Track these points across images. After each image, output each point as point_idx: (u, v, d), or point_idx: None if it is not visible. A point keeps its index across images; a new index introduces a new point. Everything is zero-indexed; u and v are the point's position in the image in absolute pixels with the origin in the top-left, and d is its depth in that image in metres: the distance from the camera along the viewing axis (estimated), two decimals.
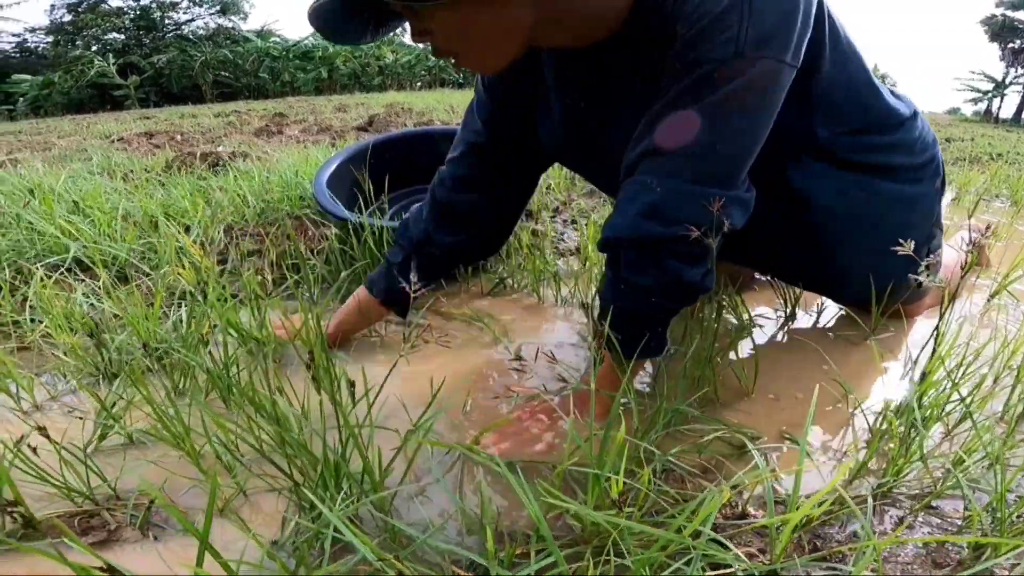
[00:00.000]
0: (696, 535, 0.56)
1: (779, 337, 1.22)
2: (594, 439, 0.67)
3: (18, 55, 28.16)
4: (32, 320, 1.16)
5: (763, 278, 1.41)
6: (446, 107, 8.11)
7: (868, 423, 0.90)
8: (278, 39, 28.03)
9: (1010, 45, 24.35)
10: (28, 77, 23.56)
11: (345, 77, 25.09)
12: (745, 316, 1.16)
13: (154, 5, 27.08)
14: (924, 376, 0.84)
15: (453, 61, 0.85)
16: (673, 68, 0.81)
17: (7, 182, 2.10)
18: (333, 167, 1.62)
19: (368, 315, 1.20)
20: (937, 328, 0.83)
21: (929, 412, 0.82)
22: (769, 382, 1.02)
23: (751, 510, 0.68)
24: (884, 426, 0.81)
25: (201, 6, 28.18)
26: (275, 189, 1.83)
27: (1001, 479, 0.66)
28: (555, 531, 0.65)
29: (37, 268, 1.27)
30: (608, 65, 0.93)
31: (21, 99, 23.23)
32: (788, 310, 1.26)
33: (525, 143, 1.11)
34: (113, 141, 5.55)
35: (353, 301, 1.20)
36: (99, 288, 1.24)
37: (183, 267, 1.28)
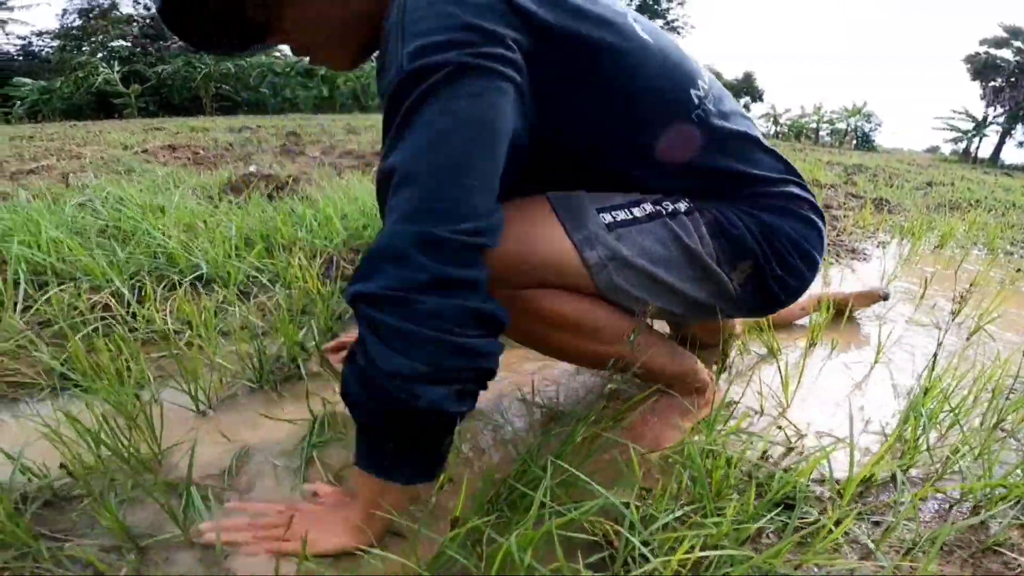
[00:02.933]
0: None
1: (800, 361, 1.48)
2: None
3: (22, 58, 28.22)
4: (175, 332, 1.36)
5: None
6: None
7: (883, 426, 1.15)
8: (279, 54, 28.45)
9: (991, 84, 25.06)
10: (29, 81, 23.38)
11: (345, 96, 25.44)
12: (773, 344, 1.42)
13: None
14: (926, 392, 1.10)
15: (308, 60, 0.92)
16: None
17: (108, 195, 2.30)
18: None
19: None
20: (935, 356, 1.09)
21: (928, 419, 1.07)
22: (801, 396, 1.26)
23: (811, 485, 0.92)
24: (899, 427, 1.06)
25: None
26: (353, 216, 2.06)
27: (988, 467, 0.92)
28: None
29: (182, 282, 1.50)
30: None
31: (19, 103, 23.19)
32: (808, 339, 1.52)
33: None
34: (137, 152, 5.74)
35: None
36: (227, 302, 1.46)
37: (299, 286, 1.52)
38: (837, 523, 0.76)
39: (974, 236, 3.33)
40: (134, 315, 1.37)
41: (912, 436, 1.01)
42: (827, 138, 25.99)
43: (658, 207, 0.93)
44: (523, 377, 1.27)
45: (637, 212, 0.91)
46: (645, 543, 0.72)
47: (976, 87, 25.38)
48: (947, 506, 0.91)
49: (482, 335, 0.70)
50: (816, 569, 0.75)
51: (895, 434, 1.03)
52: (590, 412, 0.95)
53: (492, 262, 0.73)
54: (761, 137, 1.04)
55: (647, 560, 0.68)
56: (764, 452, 1.02)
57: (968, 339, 1.64)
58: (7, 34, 28.51)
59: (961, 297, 1.60)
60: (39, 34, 28.61)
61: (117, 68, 23.17)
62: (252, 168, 4.48)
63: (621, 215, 0.91)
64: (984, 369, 1.24)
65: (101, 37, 26.62)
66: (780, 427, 1.11)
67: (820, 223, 1.04)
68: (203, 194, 2.66)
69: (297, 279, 1.57)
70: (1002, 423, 1.10)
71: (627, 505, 0.75)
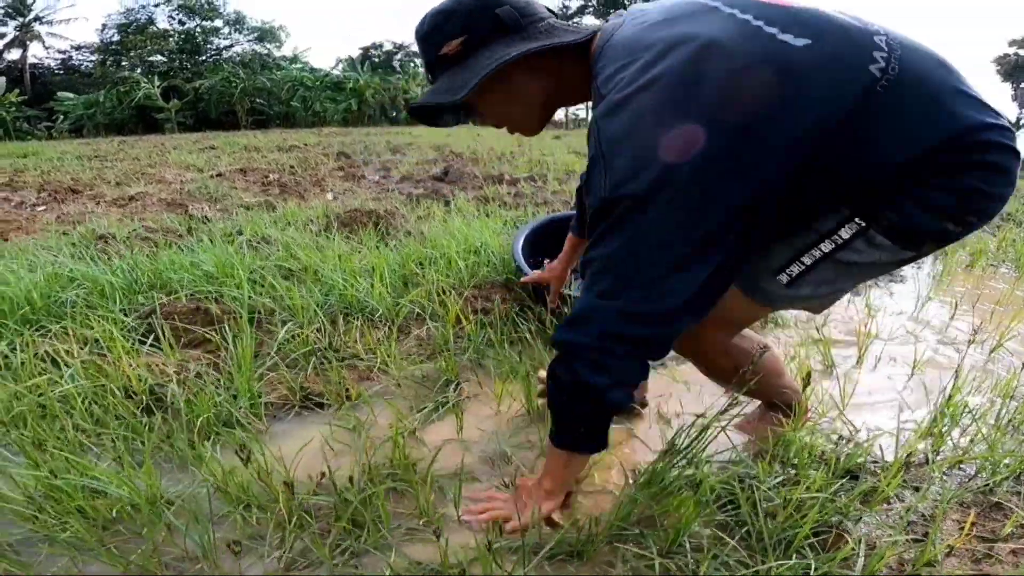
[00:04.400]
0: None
1: (849, 373, 1.84)
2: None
3: (62, 72, 28.91)
4: (359, 357, 1.76)
5: None
6: (487, 149, 8.82)
7: (918, 422, 1.52)
8: (303, 65, 29.07)
9: (1023, 85, 24.70)
10: (72, 96, 23.84)
11: (372, 109, 25.96)
12: (830, 360, 1.80)
13: (198, 30, 28.33)
14: (950, 397, 1.47)
15: (506, 129, 1.20)
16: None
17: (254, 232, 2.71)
18: (521, 240, 2.21)
19: (572, 249, 1.69)
20: (957, 369, 1.47)
21: (951, 418, 1.44)
22: (854, 401, 1.63)
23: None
24: (929, 423, 1.43)
25: (241, 32, 29.46)
26: (467, 255, 2.44)
27: (994, 451, 1.29)
28: None
29: (357, 316, 1.91)
30: None
31: (63, 117, 23.69)
32: (859, 354, 1.89)
33: None
34: (213, 176, 6.21)
35: (567, 245, 1.70)
36: (390, 334, 1.86)
37: (450, 319, 1.91)
38: (874, 492, 1.15)
39: (1003, 254, 3.62)
40: (330, 344, 1.78)
41: (939, 430, 1.38)
42: None
43: (829, 244, 1.03)
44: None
45: (808, 260, 1.06)
46: (766, 498, 1.10)
47: (1007, 88, 25.15)
48: (967, 479, 1.28)
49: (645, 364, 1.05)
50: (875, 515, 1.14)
51: (926, 428, 1.41)
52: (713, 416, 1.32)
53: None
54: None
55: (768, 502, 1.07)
56: (836, 439, 1.40)
57: (990, 354, 2.00)
58: (47, 48, 29.08)
59: (975, 331, 1.96)
60: (78, 48, 29.32)
61: (156, 83, 23.78)
62: (330, 195, 4.92)
63: (796, 269, 1.07)
64: (999, 380, 1.60)
65: (140, 52, 27.37)
66: (843, 422, 1.48)
67: (1006, 158, 0.95)
68: (319, 228, 3.09)
69: (446, 314, 1.97)
70: (1012, 422, 1.47)
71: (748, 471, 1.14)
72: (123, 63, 27.54)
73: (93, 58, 29.11)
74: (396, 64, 36.36)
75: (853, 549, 1.01)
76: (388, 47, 38.42)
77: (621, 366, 1.00)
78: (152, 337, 1.70)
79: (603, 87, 0.98)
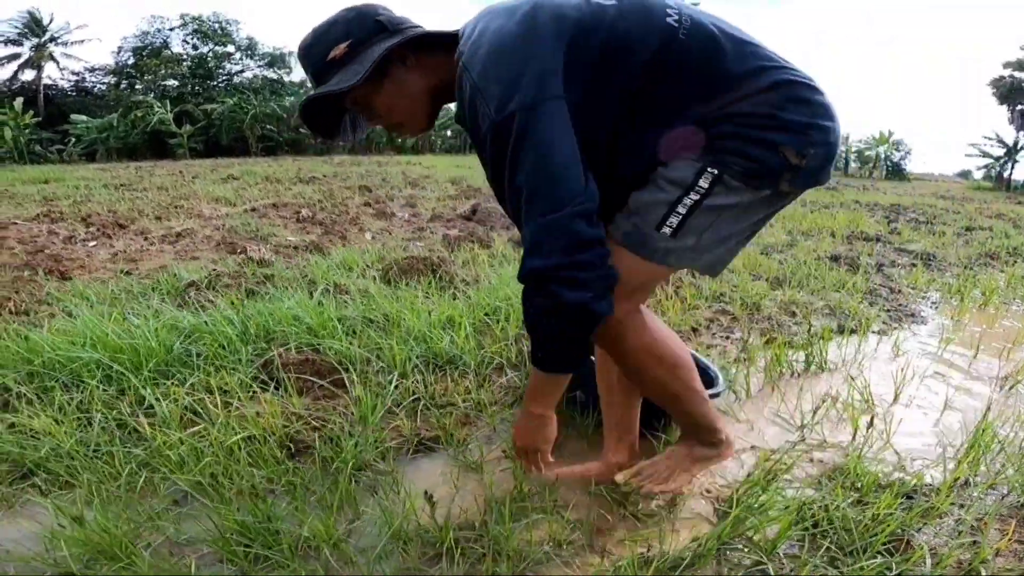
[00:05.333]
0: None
1: (889, 410, 2.05)
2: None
3: (74, 94, 28.78)
4: (454, 404, 1.95)
5: None
6: None
7: (956, 451, 1.73)
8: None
9: (1019, 107, 24.83)
10: (85, 118, 23.77)
11: (380, 136, 26.20)
12: (870, 399, 2.02)
13: (210, 55, 28.60)
14: (983, 430, 1.69)
15: (395, 132, 1.30)
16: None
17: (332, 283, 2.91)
18: None
19: None
20: (988, 407, 1.69)
21: (984, 447, 1.65)
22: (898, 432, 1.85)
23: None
24: (966, 452, 1.64)
25: (252, 58, 29.90)
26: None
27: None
28: None
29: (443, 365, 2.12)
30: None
31: (75, 140, 23.40)
32: (895, 393, 2.11)
33: None
34: (247, 211, 6.44)
35: None
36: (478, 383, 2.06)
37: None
38: (930, 510, 1.39)
39: (1013, 291, 3.86)
40: (426, 391, 1.98)
41: (976, 457, 1.62)
42: (854, 164, 26.22)
43: (695, 194, 1.18)
44: None
45: (682, 209, 1.18)
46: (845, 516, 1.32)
47: (1004, 111, 25.33)
48: (1002, 497, 1.51)
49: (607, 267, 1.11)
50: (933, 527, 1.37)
51: (965, 457, 1.63)
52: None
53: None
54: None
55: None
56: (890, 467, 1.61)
57: (1010, 390, 2.23)
58: (61, 69, 29.25)
59: (1000, 377, 2.19)
60: (91, 70, 29.44)
61: (169, 107, 23.95)
62: (368, 235, 5.14)
63: (674, 220, 1.19)
64: (1021, 412, 1.83)
65: (154, 75, 27.64)
66: (893, 451, 1.70)
67: (806, 91, 1.18)
68: (379, 274, 3.31)
69: (524, 363, 2.17)
70: None
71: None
72: (137, 86, 27.70)
73: (106, 80, 29.24)
74: None
75: (921, 554, 1.23)
76: None
77: (596, 275, 1.07)
78: (272, 386, 1.90)
79: (462, 49, 1.14)
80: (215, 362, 2.00)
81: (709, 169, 1.16)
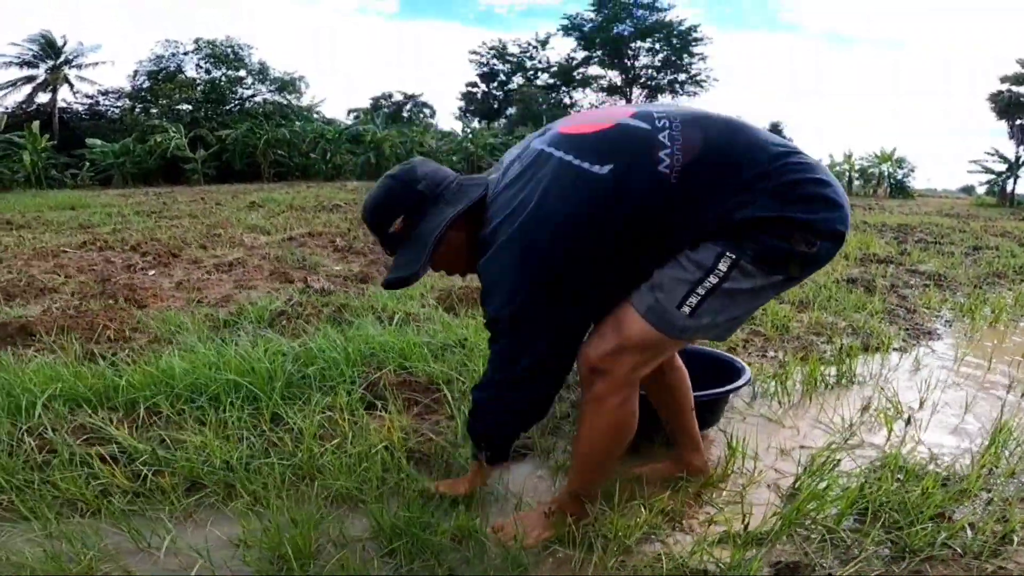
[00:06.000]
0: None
1: (917, 416, 2.33)
2: None
3: (88, 118, 28.62)
4: None
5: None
6: None
7: (979, 446, 2.00)
8: (318, 115, 29.89)
9: (1018, 122, 24.40)
10: (100, 142, 23.64)
11: (389, 162, 26.45)
12: (900, 407, 2.31)
13: (223, 79, 28.82)
14: (1000, 429, 1.97)
15: (446, 273, 1.57)
16: None
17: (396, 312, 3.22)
18: None
19: None
20: (1002, 407, 1.98)
21: (1003, 443, 1.93)
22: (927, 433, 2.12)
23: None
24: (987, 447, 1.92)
25: (263, 83, 30.29)
26: None
27: None
28: None
29: None
30: None
31: (88, 164, 23.21)
32: (920, 400, 2.39)
33: None
34: (285, 240, 6.75)
35: None
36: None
37: None
38: (963, 492, 1.68)
39: (1021, 308, 4.15)
40: None
41: (996, 451, 1.90)
42: (856, 183, 26.46)
43: (714, 277, 1.29)
44: None
45: (701, 291, 1.30)
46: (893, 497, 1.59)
47: (1003, 125, 25.44)
48: (1020, 483, 1.80)
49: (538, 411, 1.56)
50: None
51: (987, 450, 1.93)
52: None
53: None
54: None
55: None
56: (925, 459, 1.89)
57: (1021, 396, 2.54)
58: (75, 93, 29.37)
59: (1011, 382, 2.47)
60: (105, 93, 29.35)
61: (183, 132, 24.13)
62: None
63: (693, 300, 1.31)
64: None
65: (168, 100, 27.59)
66: (925, 448, 1.98)
67: (813, 186, 1.29)
68: (443, 305, 3.61)
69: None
70: None
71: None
72: (152, 111, 27.81)
73: (120, 104, 29.23)
74: (405, 115, 37.16)
75: (962, 525, 1.51)
76: (398, 97, 39.42)
77: (544, 384, 1.48)
78: (379, 405, 2.18)
79: (490, 238, 1.37)
80: (327, 383, 2.28)
81: (728, 253, 1.28)
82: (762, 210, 1.25)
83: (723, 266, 1.28)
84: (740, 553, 1.40)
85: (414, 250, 1.41)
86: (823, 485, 1.69)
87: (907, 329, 3.56)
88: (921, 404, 2.42)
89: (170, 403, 2.11)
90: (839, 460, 1.86)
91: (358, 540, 1.51)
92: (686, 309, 1.31)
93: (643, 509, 1.59)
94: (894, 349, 3.19)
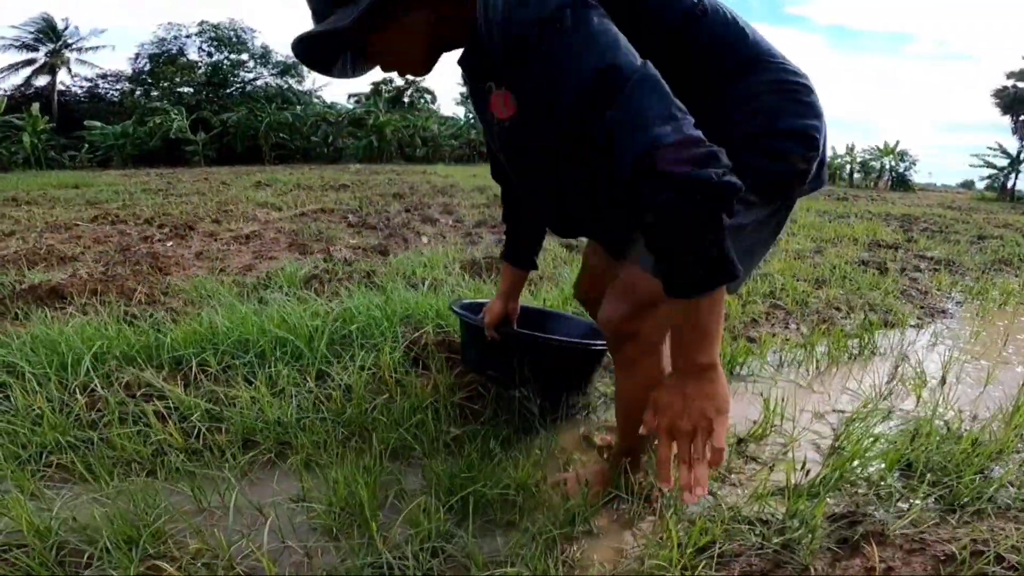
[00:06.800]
0: None
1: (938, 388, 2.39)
2: None
3: (87, 100, 28.71)
4: None
5: None
6: None
7: (1005, 414, 2.07)
8: (319, 99, 29.84)
9: (1022, 118, 24.98)
10: (100, 124, 23.86)
11: (390, 146, 26.45)
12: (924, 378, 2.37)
13: (225, 62, 28.86)
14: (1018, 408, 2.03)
15: (396, 73, 1.19)
16: (512, 62, 1.05)
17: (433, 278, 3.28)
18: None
19: (516, 280, 1.75)
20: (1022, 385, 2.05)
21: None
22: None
23: None
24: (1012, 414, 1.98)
25: (265, 67, 30.18)
26: None
27: None
28: None
29: None
30: (471, 72, 1.22)
31: (88, 146, 23.43)
32: (943, 374, 2.46)
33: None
34: (296, 215, 6.81)
35: (501, 282, 1.77)
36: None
37: None
38: (1000, 451, 1.74)
39: None
40: None
41: (1020, 421, 1.95)
42: (857, 175, 26.54)
43: None
44: None
45: None
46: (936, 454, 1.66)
47: (1007, 121, 25.51)
48: None
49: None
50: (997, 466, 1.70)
51: (1015, 414, 1.98)
52: None
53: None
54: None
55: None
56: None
57: None
58: (74, 76, 29.29)
59: None
60: (104, 76, 29.36)
61: (185, 115, 24.16)
62: (424, 239, 5.50)
63: None
64: None
65: (170, 83, 27.67)
66: (954, 413, 2.05)
67: (805, 93, 1.21)
68: (468, 272, 3.66)
69: None
70: None
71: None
72: (153, 93, 27.79)
73: (119, 87, 29.24)
74: (406, 100, 37.03)
75: (1003, 481, 1.57)
76: (398, 82, 39.23)
77: (707, 152, 0.92)
78: (420, 363, 2.24)
79: (489, 12, 1.05)
80: (369, 340, 2.33)
81: None
82: (754, 114, 1.17)
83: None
84: (796, 503, 1.45)
85: (350, 9, 1.05)
86: (865, 443, 1.75)
87: (921, 307, 3.63)
88: (943, 376, 2.48)
89: (217, 360, 2.15)
90: (876, 422, 1.92)
91: (419, 493, 1.51)
92: None
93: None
94: (911, 325, 3.25)
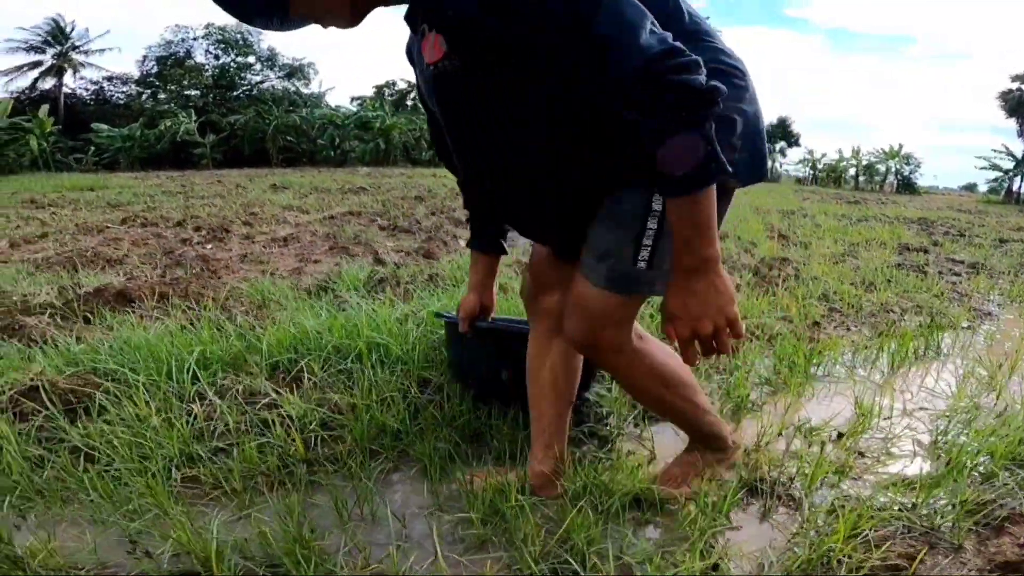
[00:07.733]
0: None
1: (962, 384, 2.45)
2: None
3: (94, 103, 28.85)
4: None
5: None
6: None
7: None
8: (327, 105, 29.87)
9: None
10: (107, 127, 23.89)
11: (397, 149, 26.45)
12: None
13: (232, 65, 28.99)
14: None
15: (320, 25, 1.11)
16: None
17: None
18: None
19: (488, 268, 1.69)
20: None
21: None
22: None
23: None
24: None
25: (272, 69, 30.29)
26: None
27: None
28: None
29: None
30: (412, 23, 1.15)
31: (94, 149, 23.45)
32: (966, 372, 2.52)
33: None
34: (325, 219, 6.84)
35: (472, 273, 1.70)
36: None
37: None
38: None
39: None
40: None
41: None
42: (861, 178, 26.61)
43: (652, 220, 1.19)
44: None
45: (648, 241, 1.20)
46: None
47: (1012, 123, 25.53)
48: None
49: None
50: None
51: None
52: None
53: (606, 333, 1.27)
54: None
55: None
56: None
57: None
58: (80, 79, 29.34)
59: None
60: (110, 79, 29.52)
61: (193, 118, 24.24)
62: (462, 242, 5.54)
63: (645, 253, 1.21)
64: None
65: (177, 85, 27.77)
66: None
67: (736, 77, 1.22)
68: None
69: None
70: None
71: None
72: (160, 96, 27.84)
73: (125, 89, 29.33)
74: (409, 103, 37.08)
75: None
76: (402, 85, 39.32)
77: (692, 59, 1.00)
78: None
79: None
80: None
81: (655, 189, 1.16)
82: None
83: (656, 204, 1.18)
84: (927, 493, 1.51)
85: None
86: (962, 439, 1.82)
87: (970, 309, 3.69)
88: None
89: (320, 366, 2.14)
90: (973, 418, 1.98)
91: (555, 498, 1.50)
92: (642, 264, 1.22)
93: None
94: (963, 327, 3.31)
